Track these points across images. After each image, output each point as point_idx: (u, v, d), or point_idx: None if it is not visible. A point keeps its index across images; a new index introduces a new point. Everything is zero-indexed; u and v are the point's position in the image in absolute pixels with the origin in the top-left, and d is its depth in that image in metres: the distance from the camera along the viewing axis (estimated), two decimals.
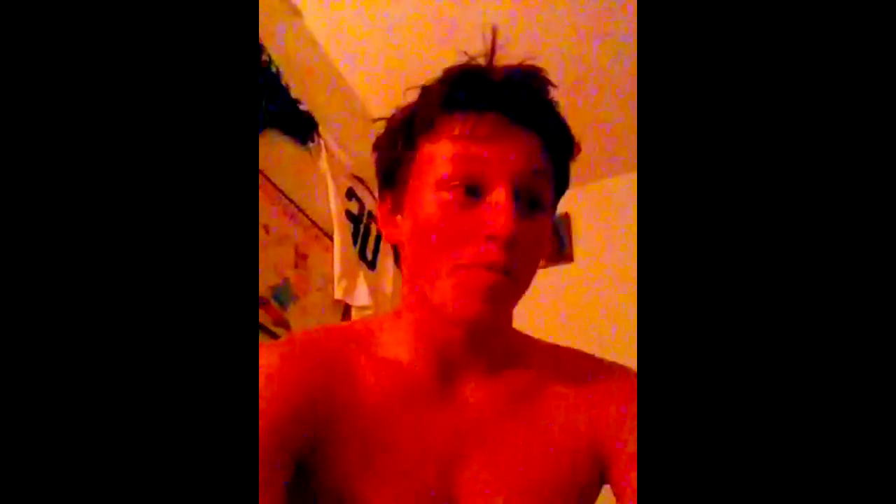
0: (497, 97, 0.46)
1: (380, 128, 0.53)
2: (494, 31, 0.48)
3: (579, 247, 2.07)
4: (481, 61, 0.47)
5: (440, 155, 0.46)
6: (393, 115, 0.52)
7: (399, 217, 0.51)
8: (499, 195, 0.44)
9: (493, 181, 0.45)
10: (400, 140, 0.49)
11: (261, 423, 0.41)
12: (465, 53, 0.48)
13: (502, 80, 0.46)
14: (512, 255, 0.44)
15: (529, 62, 0.48)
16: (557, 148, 0.49)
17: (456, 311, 0.45)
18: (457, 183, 0.45)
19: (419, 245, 0.47)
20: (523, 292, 0.48)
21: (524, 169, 0.45)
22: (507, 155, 0.45)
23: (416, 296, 0.50)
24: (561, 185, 0.51)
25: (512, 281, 0.45)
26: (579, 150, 0.50)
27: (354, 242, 1.74)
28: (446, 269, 0.45)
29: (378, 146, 0.53)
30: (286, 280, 1.42)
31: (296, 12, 1.64)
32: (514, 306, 0.49)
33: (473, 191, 0.45)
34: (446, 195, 0.45)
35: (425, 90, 0.49)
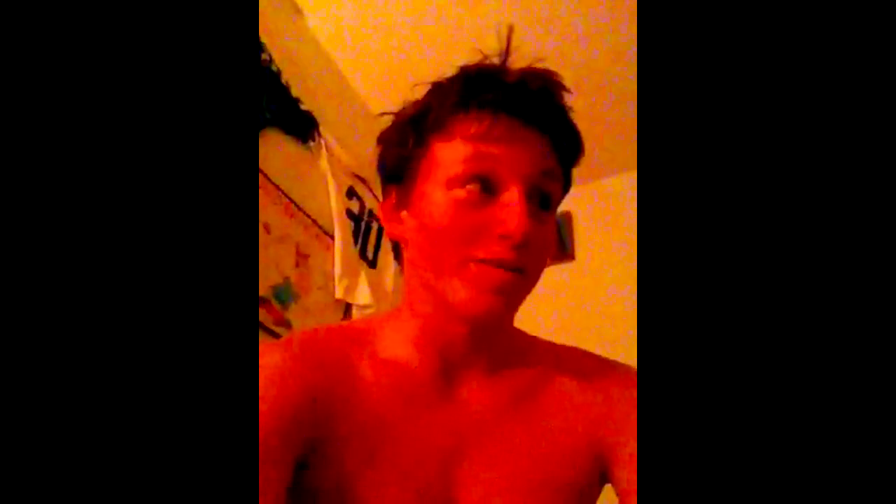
0: (512, 99, 0.46)
1: (383, 123, 0.53)
2: (510, 31, 0.48)
3: (581, 245, 2.07)
4: (494, 61, 0.47)
5: (453, 153, 0.46)
6: (402, 111, 0.51)
7: (404, 213, 0.51)
8: (512, 195, 0.44)
9: (506, 181, 0.45)
10: (410, 137, 0.49)
11: (261, 422, 0.41)
12: (481, 52, 0.48)
13: (517, 81, 0.46)
14: (523, 254, 0.44)
15: (540, 64, 0.48)
16: (567, 151, 0.49)
17: (465, 306, 0.45)
18: (470, 182, 0.45)
19: (429, 241, 0.47)
20: (531, 290, 0.49)
21: (536, 170, 0.46)
22: (520, 156, 0.45)
23: (421, 292, 0.50)
24: (565, 185, 0.52)
25: (522, 278, 0.45)
26: (584, 152, 0.51)
27: (355, 241, 1.74)
28: (457, 264, 0.45)
29: (384, 141, 0.53)
30: (287, 279, 1.42)
31: (297, 11, 1.64)
32: (520, 304, 0.49)
33: (486, 190, 0.45)
34: (459, 193, 0.45)
35: (437, 88, 0.49)
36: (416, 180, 0.49)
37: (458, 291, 0.45)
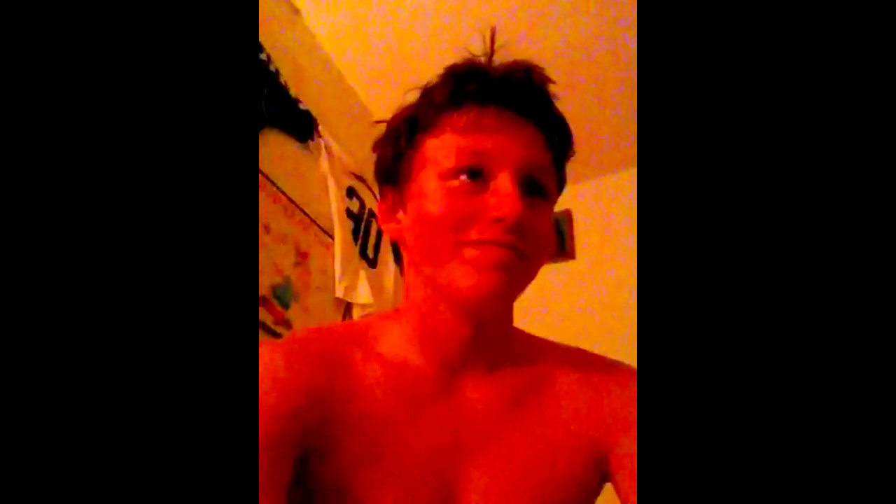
0: (498, 91, 0.47)
1: (381, 130, 0.54)
2: (493, 33, 0.49)
3: (581, 243, 2.07)
4: (482, 60, 0.49)
5: (444, 148, 0.47)
6: (394, 116, 0.53)
7: (400, 213, 0.52)
8: (504, 180, 0.45)
9: (497, 169, 0.46)
10: (403, 137, 0.50)
11: (261, 422, 0.41)
12: (467, 50, 0.49)
13: (502, 74, 0.48)
14: (519, 238, 0.45)
15: (539, 62, 0.49)
16: (557, 141, 0.50)
17: (466, 289, 0.45)
18: (462, 172, 0.46)
19: (425, 232, 0.47)
20: (532, 276, 0.49)
21: (527, 158, 0.46)
22: (510, 145, 0.46)
23: (421, 289, 0.51)
24: (560, 181, 0.52)
25: (521, 261, 0.45)
26: (574, 146, 0.52)
27: (355, 241, 1.74)
28: (453, 250, 0.45)
29: (379, 145, 0.54)
30: (287, 279, 1.42)
31: (294, 11, 1.64)
32: (521, 290, 0.49)
33: (479, 179, 0.46)
34: (452, 183, 0.46)
35: (427, 89, 0.50)
36: (410, 178, 0.50)
37: (457, 276, 0.45)
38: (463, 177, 0.46)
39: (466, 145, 0.46)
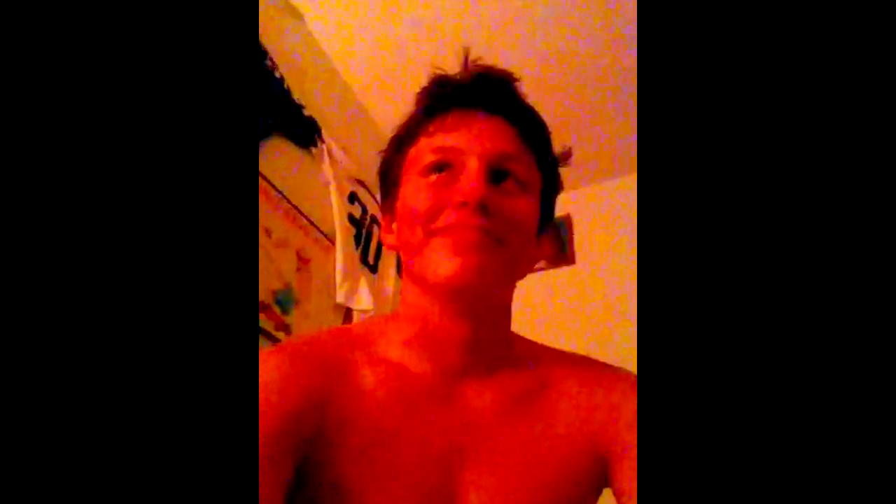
0: (460, 93, 0.52)
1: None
2: (467, 52, 0.54)
3: (581, 249, 2.07)
4: (448, 73, 0.53)
5: (419, 152, 0.51)
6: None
7: (395, 224, 0.54)
8: (468, 168, 0.48)
9: (464, 160, 0.49)
10: (391, 156, 0.55)
11: (261, 426, 0.41)
12: (439, 68, 0.54)
13: (462, 79, 0.52)
14: (489, 220, 0.46)
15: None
16: (527, 129, 0.52)
17: (441, 273, 0.46)
18: (433, 168, 0.49)
19: (404, 228, 0.50)
20: (515, 263, 0.50)
21: (492, 147, 0.49)
22: (475, 136, 0.49)
23: (411, 287, 0.52)
24: (550, 175, 0.54)
25: (495, 241, 0.47)
26: (547, 131, 0.54)
27: (356, 246, 1.74)
28: (425, 238, 0.48)
29: (379, 171, 0.58)
30: (288, 284, 1.42)
31: (297, 16, 1.65)
32: (506, 277, 0.50)
33: (450, 173, 0.49)
34: (426, 180, 0.49)
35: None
36: (398, 187, 0.53)
37: (432, 263, 0.47)
38: (435, 172, 0.49)
39: (436, 144, 0.50)
